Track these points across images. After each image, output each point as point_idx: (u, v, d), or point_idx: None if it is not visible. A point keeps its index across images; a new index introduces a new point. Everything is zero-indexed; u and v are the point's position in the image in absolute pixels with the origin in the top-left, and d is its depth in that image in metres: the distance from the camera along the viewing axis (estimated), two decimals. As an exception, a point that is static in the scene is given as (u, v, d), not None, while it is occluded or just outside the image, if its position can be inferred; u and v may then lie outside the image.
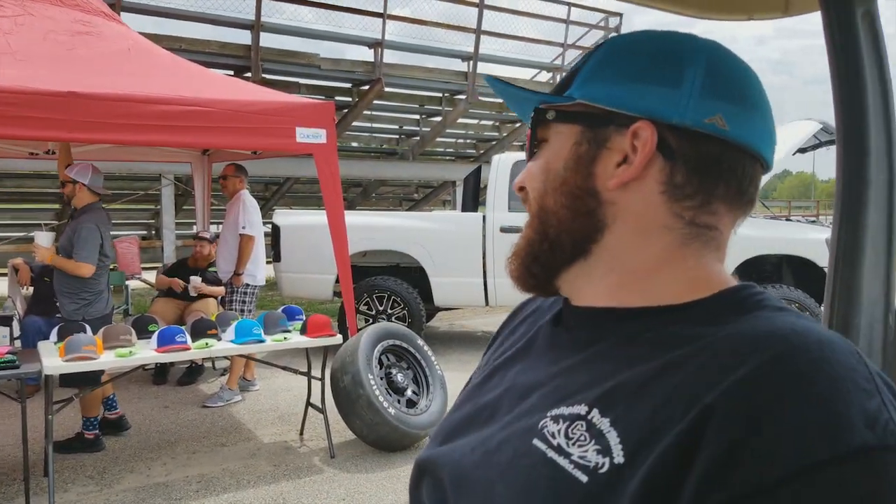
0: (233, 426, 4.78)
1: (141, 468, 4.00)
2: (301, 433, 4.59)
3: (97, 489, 3.71)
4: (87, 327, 3.90)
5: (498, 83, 0.73)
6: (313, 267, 6.69)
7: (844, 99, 0.88)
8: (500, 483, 0.61)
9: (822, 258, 6.46)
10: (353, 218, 6.54)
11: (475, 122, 12.83)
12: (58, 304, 4.34)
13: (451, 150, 13.24)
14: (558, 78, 12.12)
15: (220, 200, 8.61)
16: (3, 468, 3.99)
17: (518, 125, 12.03)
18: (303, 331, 4.33)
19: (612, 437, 0.55)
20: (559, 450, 0.58)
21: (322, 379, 4.34)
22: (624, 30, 11.98)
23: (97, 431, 4.29)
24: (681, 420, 0.52)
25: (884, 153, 0.87)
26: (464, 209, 8.28)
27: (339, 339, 4.36)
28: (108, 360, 3.66)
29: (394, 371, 4.45)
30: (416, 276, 6.96)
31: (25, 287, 5.72)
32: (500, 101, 11.78)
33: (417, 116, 11.90)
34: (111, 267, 4.79)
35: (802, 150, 7.17)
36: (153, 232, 11.76)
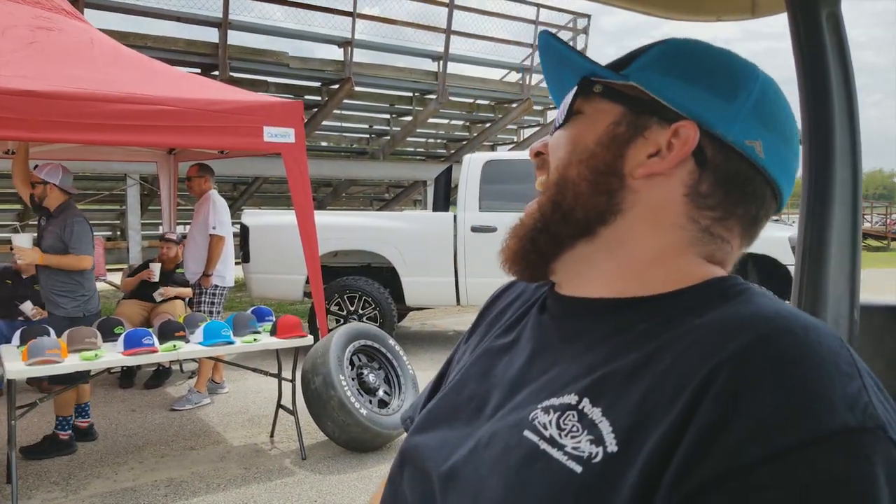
0: (202, 429, 4.72)
1: (108, 473, 3.93)
2: (272, 435, 4.55)
3: (62, 495, 3.63)
4: (52, 330, 3.81)
5: (553, 40, 0.71)
6: (283, 267, 6.64)
7: (809, 98, 0.90)
8: (492, 477, 0.60)
9: (786, 256, 6.59)
10: (323, 218, 6.50)
11: (446, 121, 12.84)
12: (47, 307, 4.28)
13: (422, 149, 13.23)
14: (528, 79, 12.19)
15: (186, 200, 8.49)
16: (-37, 476, 3.88)
17: (488, 125, 12.07)
18: (273, 332, 4.29)
19: (605, 427, 0.56)
20: (552, 441, 0.58)
21: (293, 380, 4.30)
22: (592, 31, 12.09)
23: (70, 432, 4.22)
24: (670, 406, 0.52)
25: (848, 151, 0.89)
26: (435, 209, 8.28)
27: (309, 339, 4.32)
28: (72, 364, 3.58)
29: (365, 371, 4.43)
30: (387, 276, 6.94)
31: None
32: (470, 100, 11.84)
33: (388, 116, 11.87)
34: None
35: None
36: (118, 233, 11.55)
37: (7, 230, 10.31)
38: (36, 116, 3.52)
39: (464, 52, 10.98)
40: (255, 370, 4.62)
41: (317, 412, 4.13)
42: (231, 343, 4.08)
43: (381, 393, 4.42)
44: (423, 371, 5.02)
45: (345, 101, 9.90)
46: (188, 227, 5.89)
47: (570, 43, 12.03)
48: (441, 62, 10.28)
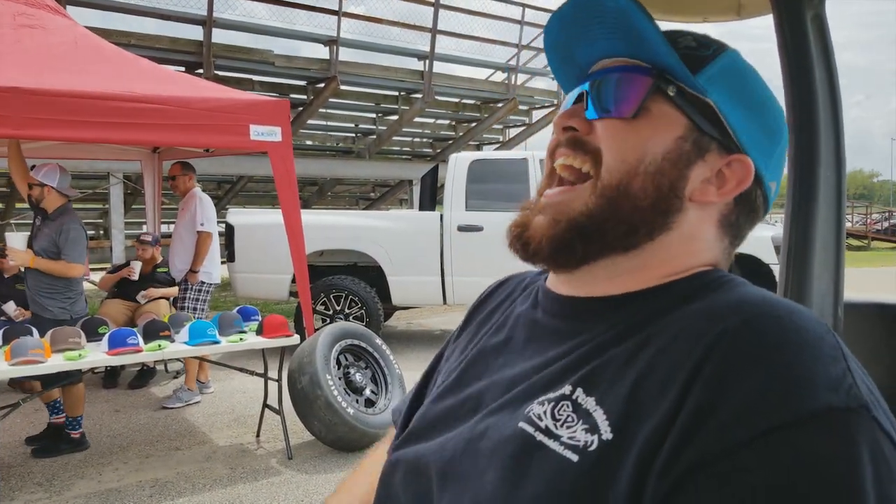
0: (187, 429, 4.69)
1: (92, 474, 3.89)
2: (258, 435, 4.53)
3: (46, 496, 3.60)
4: (34, 330, 3.77)
5: (637, 8, 0.61)
6: (269, 267, 6.61)
7: (795, 99, 0.92)
8: (489, 470, 0.60)
9: (769, 256, 6.66)
10: (309, 217, 6.47)
11: (431, 121, 12.84)
12: (32, 308, 4.24)
13: (408, 148, 13.22)
14: (513, 79, 12.18)
15: (171, 199, 8.44)
16: (-57, 478, 3.84)
17: (474, 125, 12.08)
18: (259, 331, 4.28)
19: (599, 416, 0.56)
20: (547, 432, 0.58)
21: (279, 380, 4.29)
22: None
23: (81, 430, 4.25)
24: (662, 392, 0.53)
25: (832, 152, 0.91)
26: (421, 208, 8.29)
27: (296, 339, 4.31)
28: (56, 364, 3.55)
29: (352, 371, 4.43)
30: (373, 275, 6.93)
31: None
32: (456, 100, 11.84)
33: (373, 115, 11.85)
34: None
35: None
36: (101, 232, 11.45)
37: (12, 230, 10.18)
38: (19, 113, 3.48)
39: (450, 51, 11.01)
40: (241, 370, 4.60)
41: (303, 411, 4.12)
42: (217, 343, 4.06)
43: (367, 392, 4.42)
44: (409, 370, 5.02)
45: (330, 99, 9.88)
46: (172, 226, 5.85)
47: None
48: (427, 61, 10.28)
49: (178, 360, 6.13)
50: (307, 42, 9.71)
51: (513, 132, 13.57)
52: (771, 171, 0.67)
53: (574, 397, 0.59)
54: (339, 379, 4.26)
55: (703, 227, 0.66)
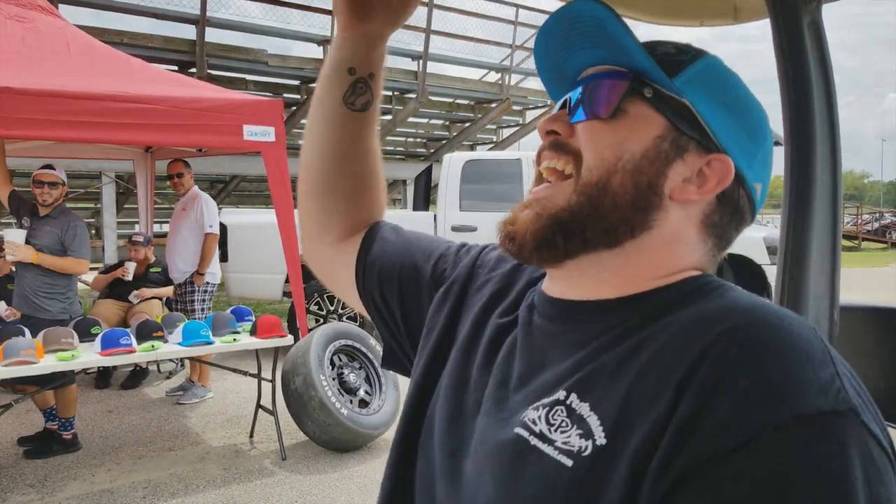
0: (180, 430, 4.68)
1: (85, 475, 3.88)
2: (251, 436, 4.52)
3: (38, 497, 3.58)
4: (27, 330, 3.75)
5: (607, 12, 0.64)
6: (262, 267, 6.60)
7: (791, 103, 0.92)
8: (486, 474, 0.61)
9: (761, 256, 6.69)
10: (302, 217, 6.46)
11: (425, 121, 12.84)
12: (26, 310, 4.22)
13: (402, 148, 13.22)
14: (507, 79, 12.20)
15: (163, 199, 8.41)
16: (-66, 479, 3.82)
17: (468, 125, 12.09)
18: (252, 332, 4.27)
19: (593, 421, 0.57)
20: (542, 437, 0.59)
21: (273, 380, 4.28)
22: (571, 31, 12.12)
23: (74, 431, 4.25)
24: (655, 397, 0.54)
25: (828, 155, 0.92)
26: (415, 208, 8.29)
27: (289, 339, 4.30)
28: (49, 364, 3.53)
29: (346, 371, 4.42)
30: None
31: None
32: (449, 100, 11.85)
33: (367, 115, 11.83)
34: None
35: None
36: (94, 231, 11.40)
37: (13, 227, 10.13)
38: (10, 113, 3.47)
39: (443, 51, 11.00)
40: (234, 370, 4.59)
41: (297, 412, 4.12)
42: (210, 343, 4.05)
43: (361, 393, 4.42)
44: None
45: (324, 99, 9.85)
46: (165, 225, 5.83)
47: (550, 43, 12.07)
48: (421, 61, 10.28)
49: (171, 360, 6.11)
50: (301, 42, 9.69)
51: (506, 132, 13.59)
52: (755, 172, 0.68)
53: (568, 402, 0.59)
54: (333, 379, 4.25)
55: (685, 227, 0.66)
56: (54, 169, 4.25)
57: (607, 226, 0.64)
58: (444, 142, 12.53)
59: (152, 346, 3.88)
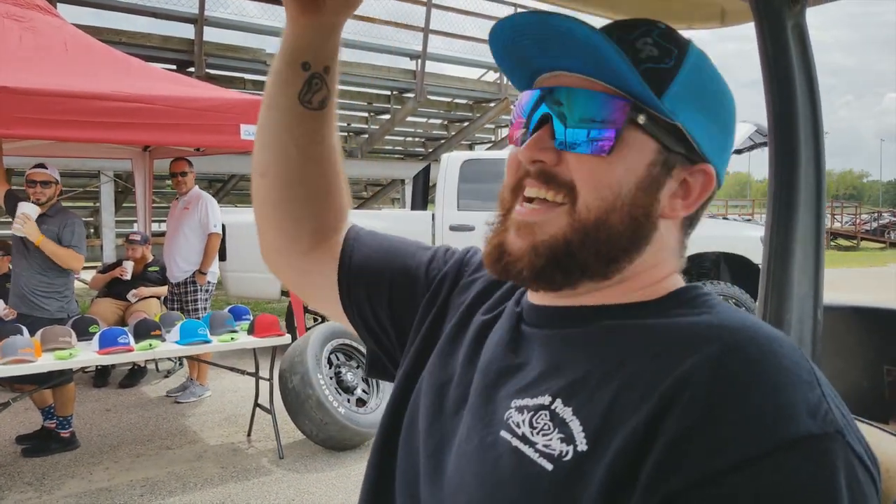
0: (178, 429, 4.69)
1: (83, 473, 3.89)
2: (249, 434, 4.53)
3: (36, 495, 3.59)
4: (24, 329, 3.76)
5: (599, 37, 0.60)
6: (260, 266, 6.43)
7: (776, 105, 0.94)
8: (468, 474, 0.62)
9: (758, 255, 6.70)
10: (300, 216, 6.46)
11: (424, 120, 12.84)
12: (23, 309, 4.22)
13: (400, 148, 13.22)
14: (505, 79, 12.23)
15: (161, 198, 8.42)
16: (-68, 477, 3.83)
17: (466, 124, 12.10)
18: (250, 331, 4.28)
19: (575, 426, 0.58)
20: (524, 439, 0.60)
21: (270, 379, 4.29)
22: (569, 31, 12.14)
23: (71, 429, 4.26)
24: (639, 409, 0.54)
25: (812, 157, 0.93)
26: (413, 208, 8.30)
27: (287, 338, 4.31)
28: (46, 363, 3.54)
29: (343, 370, 4.44)
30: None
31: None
32: (448, 99, 11.85)
33: (366, 114, 11.84)
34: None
35: (738, 152, 7.43)
36: (92, 230, 11.40)
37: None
38: (8, 112, 3.48)
39: (442, 51, 11.01)
40: (232, 369, 4.60)
41: (294, 411, 4.13)
42: (208, 342, 4.06)
43: (359, 391, 4.43)
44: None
45: (322, 98, 9.85)
46: (163, 224, 5.84)
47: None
48: (419, 61, 10.28)
49: (169, 359, 6.12)
50: (299, 41, 9.68)
51: (504, 132, 13.57)
52: (724, 162, 0.68)
53: (553, 407, 0.60)
54: (331, 378, 4.27)
55: (670, 235, 0.67)
56: (46, 168, 4.25)
57: (606, 260, 0.63)
58: (442, 141, 12.53)
59: (150, 345, 3.89)
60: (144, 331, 3.95)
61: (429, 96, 10.59)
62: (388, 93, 11.09)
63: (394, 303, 0.85)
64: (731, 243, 6.69)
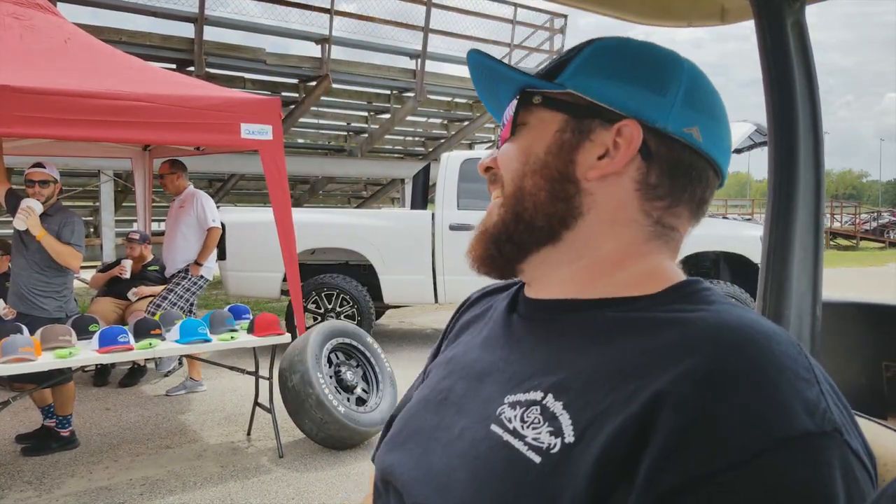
0: (178, 427, 4.69)
1: (82, 472, 3.89)
2: (248, 433, 4.53)
3: (36, 494, 3.59)
4: (24, 328, 3.76)
5: (483, 57, 0.73)
6: (260, 265, 6.61)
7: (775, 103, 0.94)
8: (460, 469, 0.63)
9: (757, 255, 6.70)
10: (301, 215, 6.48)
11: (424, 119, 12.85)
12: (22, 308, 4.21)
13: (400, 147, 13.23)
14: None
15: (161, 197, 8.41)
16: (-68, 476, 3.83)
17: (466, 124, 12.10)
18: (250, 330, 4.28)
19: (565, 419, 0.58)
20: (514, 433, 0.61)
21: (270, 378, 4.29)
22: (569, 31, 12.16)
23: (71, 428, 4.27)
24: (631, 402, 0.55)
25: (811, 154, 0.93)
26: (413, 207, 8.30)
27: (287, 337, 4.31)
28: (47, 362, 3.55)
29: (343, 369, 4.44)
30: (365, 273, 6.94)
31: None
32: (447, 99, 11.86)
33: (365, 114, 11.85)
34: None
35: (738, 151, 7.43)
36: (92, 230, 11.40)
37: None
38: (8, 111, 3.48)
39: (442, 50, 11.02)
40: (232, 368, 4.60)
41: (294, 410, 4.13)
42: (208, 341, 4.07)
43: (358, 390, 4.43)
44: (401, 369, 5.04)
45: (322, 98, 9.87)
46: (162, 224, 5.85)
47: (547, 43, 12.11)
48: (419, 60, 10.29)
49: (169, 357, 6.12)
50: (299, 40, 9.70)
51: (504, 131, 13.57)
52: (677, 118, 0.67)
53: (544, 402, 0.61)
54: (330, 377, 4.27)
55: (622, 203, 0.67)
56: (45, 167, 4.24)
57: (537, 225, 0.69)
58: (442, 140, 12.54)
59: (150, 344, 3.89)
60: (144, 330, 3.95)
61: (429, 95, 10.61)
62: (388, 92, 11.09)
63: None
64: (731, 242, 6.69)
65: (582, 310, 0.67)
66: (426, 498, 0.64)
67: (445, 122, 12.83)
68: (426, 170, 8.29)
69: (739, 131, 7.03)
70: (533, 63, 12.03)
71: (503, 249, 0.71)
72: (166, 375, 5.99)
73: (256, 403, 4.50)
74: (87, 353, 3.73)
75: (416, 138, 13.28)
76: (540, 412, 0.60)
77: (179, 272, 5.35)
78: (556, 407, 0.59)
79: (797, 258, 0.92)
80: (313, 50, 9.55)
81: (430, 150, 12.63)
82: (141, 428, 4.67)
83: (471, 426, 0.65)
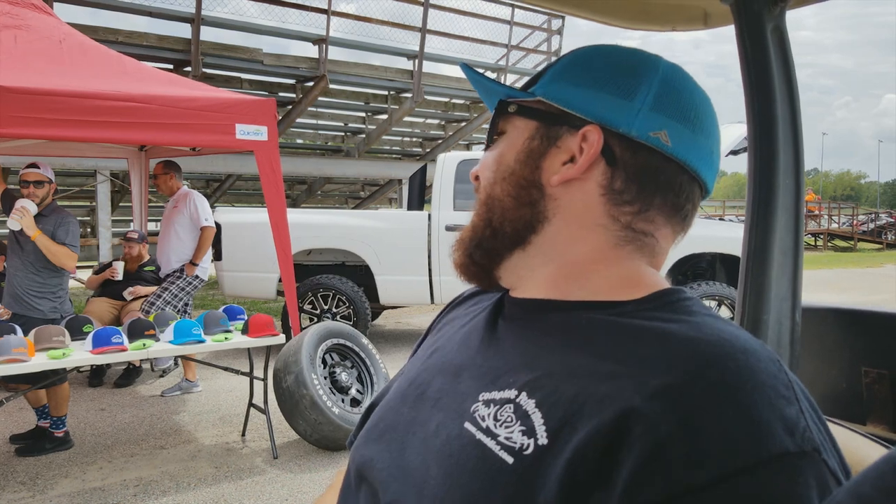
0: (172, 428, 4.69)
1: (76, 473, 3.89)
2: (243, 434, 4.53)
3: (29, 495, 3.59)
4: (18, 328, 3.76)
5: (470, 71, 0.76)
6: (256, 265, 6.61)
7: (755, 108, 0.94)
8: (434, 467, 0.63)
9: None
10: (297, 216, 6.49)
11: (421, 120, 12.85)
12: (18, 309, 4.21)
13: (397, 148, 13.23)
14: (503, 79, 12.26)
15: (158, 198, 8.41)
16: (-74, 477, 3.82)
17: (463, 125, 12.11)
18: (245, 330, 4.27)
19: (537, 419, 0.58)
20: (487, 431, 0.61)
21: (264, 379, 4.29)
22: (566, 33, 12.19)
23: (65, 429, 4.26)
24: (604, 409, 0.54)
25: (791, 159, 0.93)
26: (410, 207, 8.30)
27: (281, 338, 4.31)
28: (40, 363, 3.54)
29: (338, 370, 4.44)
30: (361, 274, 6.94)
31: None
32: (445, 99, 11.86)
33: (363, 114, 11.84)
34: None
35: (734, 153, 7.41)
36: (88, 230, 11.40)
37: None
38: (5, 112, 3.47)
39: (439, 51, 11.02)
40: (226, 369, 4.59)
41: (289, 411, 4.13)
42: (202, 342, 4.06)
43: (353, 391, 4.43)
44: (396, 369, 5.03)
45: (319, 98, 9.87)
46: (159, 224, 5.85)
47: (545, 44, 12.11)
48: (416, 61, 10.29)
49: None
50: (297, 40, 9.69)
51: (502, 132, 13.56)
52: (643, 122, 0.67)
53: (517, 400, 0.61)
54: (325, 378, 4.27)
55: (588, 207, 0.68)
56: (39, 168, 4.24)
57: (504, 231, 0.71)
58: (439, 141, 12.54)
59: (144, 345, 3.88)
60: (138, 330, 3.95)
61: (426, 96, 10.61)
62: (386, 93, 11.09)
63: None
64: (727, 244, 6.70)
65: (562, 311, 0.67)
66: (401, 495, 0.64)
67: (443, 122, 12.83)
68: (423, 170, 8.29)
69: (735, 133, 7.01)
70: (530, 64, 12.04)
71: (474, 256, 0.73)
72: (162, 375, 5.99)
73: (251, 404, 4.49)
74: (80, 354, 3.73)
75: (414, 139, 13.28)
76: (513, 410, 0.60)
77: (174, 272, 5.36)
78: (529, 405, 0.59)
79: (776, 263, 0.92)
80: (311, 50, 9.56)
81: (428, 150, 12.63)
82: (135, 428, 4.66)
83: (446, 423, 0.65)
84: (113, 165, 8.52)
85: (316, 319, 6.61)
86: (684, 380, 0.54)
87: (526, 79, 0.78)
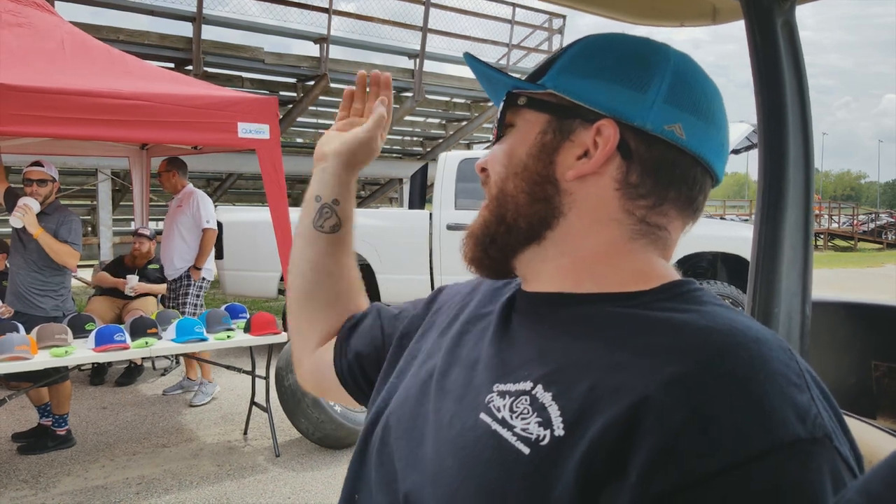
0: (174, 427, 4.69)
1: (78, 471, 3.89)
2: (245, 433, 4.53)
3: (32, 493, 3.59)
4: (20, 326, 3.76)
5: (475, 62, 0.75)
6: (257, 264, 6.61)
7: (765, 103, 0.94)
8: (449, 457, 0.63)
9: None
10: (298, 215, 6.45)
11: (422, 119, 12.85)
12: (20, 307, 4.21)
13: (398, 147, 13.22)
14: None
15: (159, 196, 8.41)
16: (-72, 474, 3.82)
17: (464, 124, 12.10)
18: (247, 329, 4.28)
19: (554, 411, 0.58)
20: (503, 422, 0.61)
21: (267, 377, 4.29)
22: (567, 31, 12.18)
23: (67, 427, 4.26)
24: (619, 400, 0.55)
25: (801, 154, 0.93)
26: (411, 207, 8.29)
27: (283, 336, 4.31)
28: (42, 361, 3.54)
29: (340, 368, 4.43)
30: (362, 273, 6.93)
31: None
32: (446, 99, 11.86)
33: (364, 113, 11.82)
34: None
35: (736, 152, 7.42)
36: (89, 228, 11.39)
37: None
38: (5, 110, 3.47)
39: (440, 50, 11.01)
40: (228, 367, 4.60)
41: (291, 409, 4.13)
42: (204, 340, 4.06)
43: (355, 390, 4.43)
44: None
45: (320, 97, 9.86)
46: (160, 223, 5.83)
47: (546, 43, 12.12)
48: (417, 60, 10.29)
49: (165, 357, 6.12)
50: (298, 39, 9.69)
51: (503, 131, 13.56)
52: (657, 115, 0.66)
53: (533, 392, 0.61)
54: (327, 376, 4.26)
55: (603, 202, 0.67)
56: (42, 166, 4.24)
57: (518, 227, 0.70)
58: (440, 140, 12.54)
59: (146, 343, 3.89)
60: (141, 328, 3.96)
61: (427, 95, 10.60)
62: (387, 92, 11.07)
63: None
64: (728, 243, 6.70)
65: (575, 304, 0.67)
66: (419, 485, 0.65)
67: (444, 122, 12.83)
68: (424, 170, 8.28)
69: (737, 132, 7.01)
70: (532, 63, 12.04)
71: (489, 251, 0.72)
72: (163, 374, 5.99)
73: (253, 403, 4.50)
74: (82, 352, 3.73)
75: (415, 138, 13.27)
76: (529, 402, 0.60)
77: (182, 279, 5.33)
78: (546, 398, 0.59)
79: (787, 258, 0.92)
80: (312, 49, 9.55)
81: (429, 149, 12.63)
82: (137, 427, 4.66)
83: (460, 414, 0.65)
84: (114, 164, 8.51)
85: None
86: (697, 369, 0.54)
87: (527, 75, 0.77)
